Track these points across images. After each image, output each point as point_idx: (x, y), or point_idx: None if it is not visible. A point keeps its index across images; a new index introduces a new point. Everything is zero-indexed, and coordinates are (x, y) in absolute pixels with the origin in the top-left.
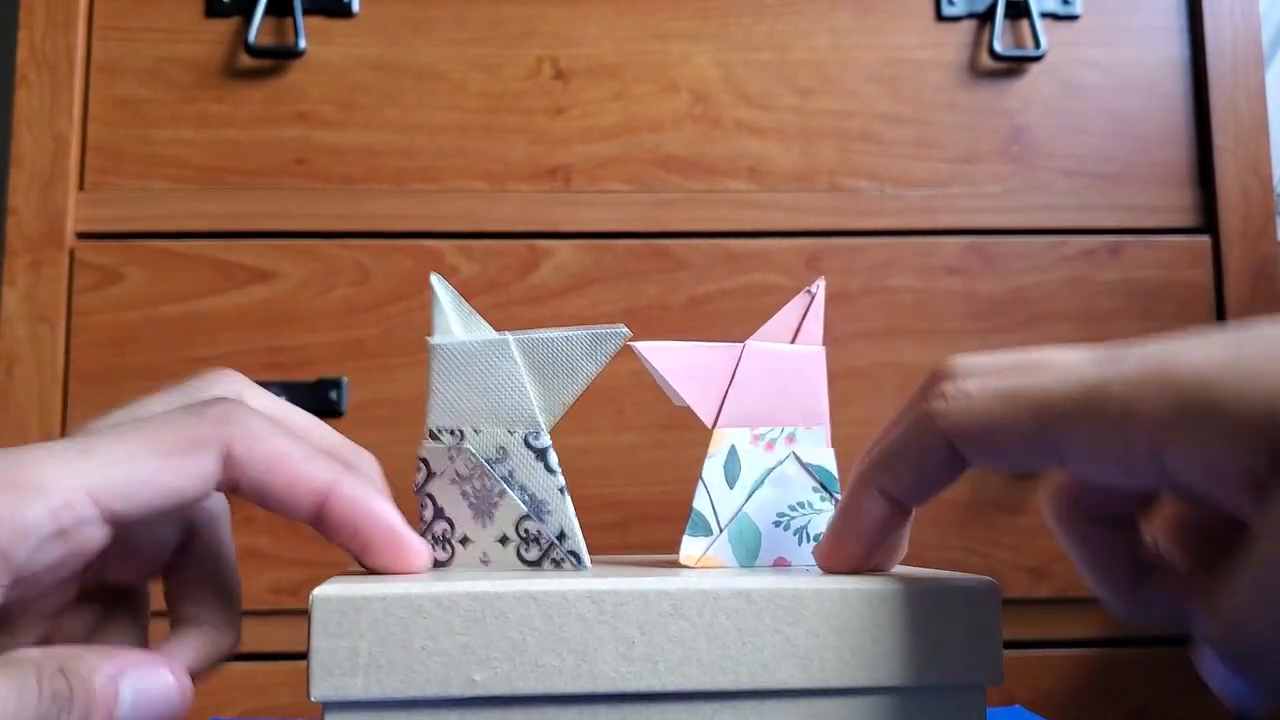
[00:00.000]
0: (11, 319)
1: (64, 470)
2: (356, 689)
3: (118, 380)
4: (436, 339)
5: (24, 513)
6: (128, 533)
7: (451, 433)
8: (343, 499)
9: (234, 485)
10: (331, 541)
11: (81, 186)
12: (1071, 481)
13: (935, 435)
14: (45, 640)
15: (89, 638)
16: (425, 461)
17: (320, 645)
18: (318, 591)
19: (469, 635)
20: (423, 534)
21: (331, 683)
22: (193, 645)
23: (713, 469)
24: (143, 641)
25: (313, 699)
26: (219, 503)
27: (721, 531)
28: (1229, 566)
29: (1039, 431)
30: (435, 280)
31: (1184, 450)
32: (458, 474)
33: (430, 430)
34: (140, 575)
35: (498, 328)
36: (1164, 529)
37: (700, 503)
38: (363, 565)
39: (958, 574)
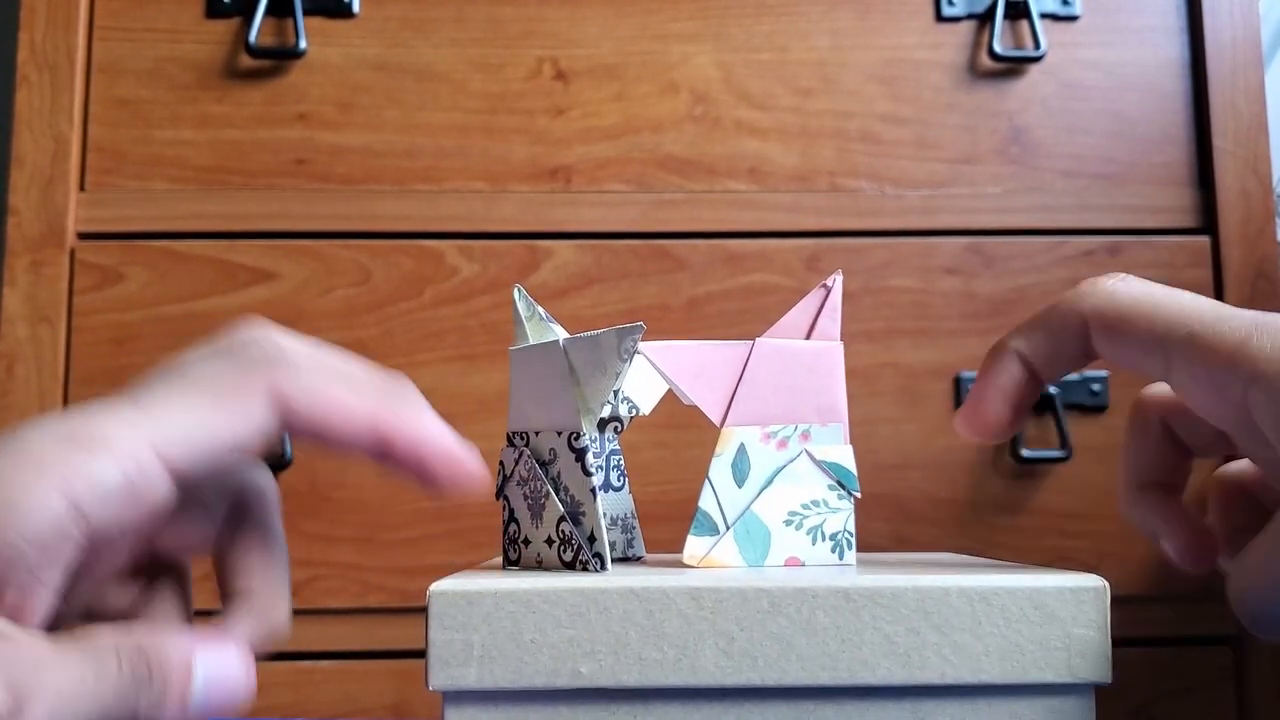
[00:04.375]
0: (12, 319)
1: (127, 427)
2: (470, 679)
3: (118, 380)
4: (513, 346)
5: (96, 469)
6: (182, 496)
7: (521, 436)
8: (398, 426)
9: (288, 425)
10: (389, 467)
11: (82, 187)
12: (1172, 400)
13: (1075, 312)
14: (88, 611)
15: (132, 612)
16: (502, 465)
17: (437, 637)
18: (435, 586)
19: (574, 629)
20: (503, 535)
21: (448, 673)
22: (248, 621)
23: (719, 468)
24: (187, 619)
25: (430, 688)
26: (268, 480)
27: (727, 530)
28: (1256, 540)
29: (1162, 336)
30: (516, 293)
31: (1272, 403)
32: (520, 477)
33: (507, 435)
34: (189, 546)
35: (498, 329)
36: (1214, 486)
37: (706, 502)
38: (424, 488)
39: (1064, 572)
